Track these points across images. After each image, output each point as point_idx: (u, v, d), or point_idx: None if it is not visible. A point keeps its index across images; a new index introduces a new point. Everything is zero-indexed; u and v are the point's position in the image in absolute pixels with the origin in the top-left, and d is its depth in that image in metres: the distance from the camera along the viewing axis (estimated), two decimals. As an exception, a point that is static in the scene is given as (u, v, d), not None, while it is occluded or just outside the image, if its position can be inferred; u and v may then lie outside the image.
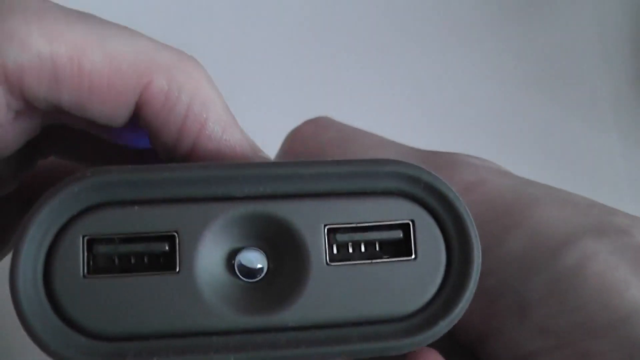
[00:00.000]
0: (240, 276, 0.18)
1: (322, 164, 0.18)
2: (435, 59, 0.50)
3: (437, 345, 0.25)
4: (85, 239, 0.17)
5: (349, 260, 0.18)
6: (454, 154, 0.25)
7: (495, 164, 0.25)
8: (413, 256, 0.18)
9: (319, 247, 0.18)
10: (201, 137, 0.20)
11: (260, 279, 0.18)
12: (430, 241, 0.18)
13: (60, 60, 0.18)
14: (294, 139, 0.28)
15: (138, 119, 0.20)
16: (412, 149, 0.26)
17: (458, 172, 0.23)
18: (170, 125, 0.20)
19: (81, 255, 0.17)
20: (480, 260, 0.18)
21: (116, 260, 0.18)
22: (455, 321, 0.18)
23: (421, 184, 0.18)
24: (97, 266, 0.17)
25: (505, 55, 0.50)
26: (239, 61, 0.47)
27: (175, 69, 0.20)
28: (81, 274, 0.17)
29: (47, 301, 0.17)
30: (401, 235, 0.18)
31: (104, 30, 0.19)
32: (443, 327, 0.18)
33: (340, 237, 0.18)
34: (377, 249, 0.19)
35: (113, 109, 0.19)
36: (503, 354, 0.22)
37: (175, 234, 0.17)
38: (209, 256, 0.18)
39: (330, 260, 0.18)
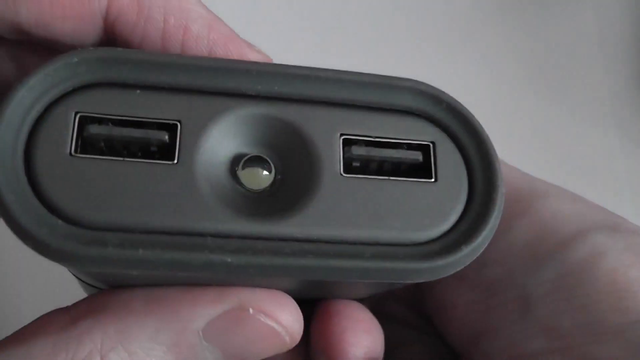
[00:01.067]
0: (244, 185, 0.16)
1: (342, 71, 0.17)
2: (435, 58, 0.50)
3: (422, 349, 0.25)
4: (78, 115, 0.15)
5: (365, 174, 0.17)
6: None
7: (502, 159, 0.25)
8: (433, 179, 0.17)
9: (333, 156, 0.16)
10: (188, 42, 0.18)
11: (265, 190, 0.17)
12: (451, 165, 0.17)
13: None
14: None
15: (114, 39, 0.19)
16: None
17: None
18: (151, 37, 0.18)
19: (71, 131, 0.15)
20: (504, 188, 0.17)
21: (109, 144, 0.16)
22: (480, 251, 0.17)
23: (443, 104, 0.17)
24: (87, 146, 0.16)
25: (504, 54, 0.50)
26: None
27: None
28: (68, 151, 0.15)
29: (25, 176, 0.15)
30: (421, 157, 0.17)
31: None
32: (466, 253, 0.16)
33: (357, 149, 0.17)
34: (397, 168, 0.17)
35: (78, 25, 0.18)
36: (498, 355, 0.20)
37: (178, 123, 0.16)
38: (211, 154, 0.16)
39: (344, 171, 0.16)
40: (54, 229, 0.15)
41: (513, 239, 0.20)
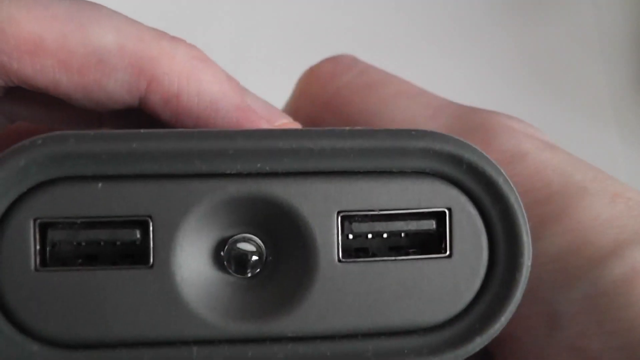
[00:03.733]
0: (231, 270, 0.14)
1: (335, 136, 0.14)
2: (434, 58, 0.49)
3: None
4: (37, 222, 0.14)
5: (367, 256, 0.15)
6: (493, 113, 0.21)
7: (540, 130, 0.21)
8: (447, 253, 0.14)
9: (329, 239, 0.14)
10: (216, 121, 0.18)
11: (255, 275, 0.14)
12: (469, 235, 0.14)
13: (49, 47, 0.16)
14: (309, 80, 0.24)
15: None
16: (445, 101, 0.22)
17: (496, 139, 0.19)
18: (179, 116, 0.17)
19: (32, 243, 0.13)
20: (530, 263, 0.14)
21: (75, 251, 0.14)
22: (495, 336, 0.14)
23: (463, 164, 0.14)
24: (53, 257, 0.14)
25: (504, 54, 0.50)
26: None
27: (166, 61, 0.17)
28: (32, 266, 0.13)
29: None
30: (434, 226, 0.15)
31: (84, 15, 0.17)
32: (478, 344, 0.14)
33: (357, 226, 0.14)
34: (403, 243, 0.15)
35: (100, 99, 0.17)
36: None
37: (149, 219, 0.14)
38: (190, 248, 0.14)
39: (343, 257, 0.14)
40: (30, 357, 0.13)
41: (543, 250, 0.18)
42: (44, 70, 0.16)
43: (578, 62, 0.50)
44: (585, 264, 0.18)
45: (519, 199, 0.15)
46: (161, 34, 0.18)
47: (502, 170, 0.15)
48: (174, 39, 0.18)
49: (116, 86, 0.17)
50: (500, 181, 0.14)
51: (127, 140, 0.14)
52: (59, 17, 0.17)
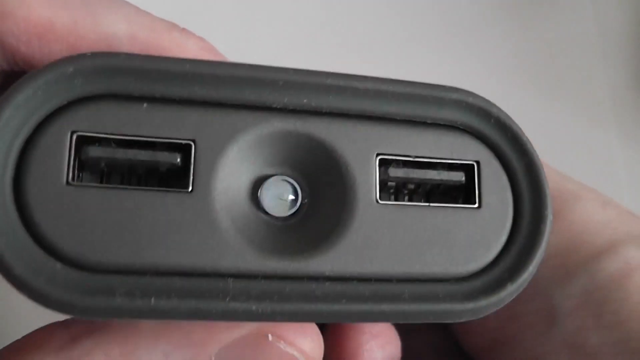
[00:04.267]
0: (267, 211, 0.14)
1: (380, 80, 0.14)
2: (434, 57, 0.49)
3: (432, 349, 0.23)
4: (75, 135, 0.13)
5: (403, 200, 0.15)
6: None
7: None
8: (476, 204, 0.15)
9: (368, 179, 0.14)
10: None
11: (291, 216, 0.14)
12: (496, 188, 0.15)
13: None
14: None
15: None
16: None
17: None
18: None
19: (67, 156, 0.13)
20: (552, 215, 0.15)
21: (110, 170, 0.14)
22: (524, 286, 0.15)
23: (491, 119, 0.15)
24: (86, 172, 0.13)
25: (504, 54, 0.50)
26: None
27: (176, 52, 0.17)
28: (64, 180, 0.13)
29: (16, 211, 0.13)
30: (463, 178, 0.15)
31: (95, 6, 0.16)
32: (511, 291, 0.15)
33: (394, 171, 0.15)
34: (436, 191, 0.15)
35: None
36: None
37: (192, 143, 0.14)
38: (231, 178, 0.14)
39: (381, 198, 0.14)
40: (52, 276, 0.12)
41: None
42: (52, 55, 0.16)
43: (578, 62, 0.50)
44: (582, 261, 0.18)
45: (547, 171, 0.15)
46: (172, 25, 0.18)
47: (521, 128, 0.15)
48: (184, 30, 0.18)
49: None
50: (525, 138, 0.15)
51: (180, 62, 0.13)
52: (71, 2, 0.16)
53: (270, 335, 0.15)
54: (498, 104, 0.52)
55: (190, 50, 0.17)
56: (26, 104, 0.13)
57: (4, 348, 0.15)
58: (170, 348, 0.15)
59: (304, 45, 0.49)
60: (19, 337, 0.15)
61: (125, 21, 0.17)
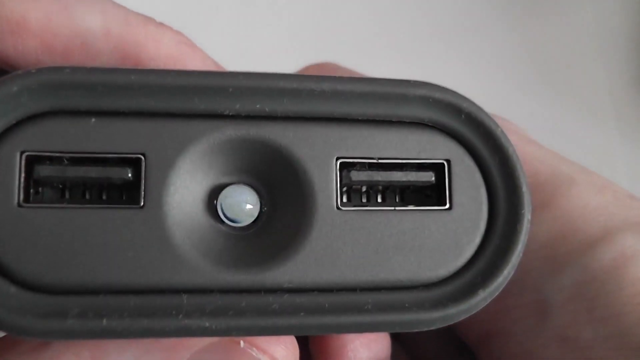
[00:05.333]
0: (225, 220, 0.14)
1: (337, 80, 0.14)
2: (434, 57, 0.49)
3: (433, 338, 0.21)
4: (24, 155, 0.13)
5: (366, 205, 0.14)
6: None
7: (519, 127, 0.21)
8: (447, 205, 0.14)
9: (328, 185, 0.14)
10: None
11: (249, 226, 0.14)
12: (469, 188, 0.14)
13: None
14: None
15: None
16: None
17: None
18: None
19: (17, 177, 0.13)
20: (530, 214, 0.14)
21: (63, 187, 0.13)
22: (498, 292, 0.14)
23: (462, 114, 0.14)
24: (38, 193, 0.13)
25: (504, 54, 0.50)
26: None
27: (152, 46, 0.17)
28: (15, 201, 0.13)
29: None
30: (433, 178, 0.14)
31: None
32: (483, 297, 0.14)
33: (356, 175, 0.14)
34: (403, 194, 0.15)
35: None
36: (509, 359, 0.18)
37: (142, 157, 0.13)
38: (184, 190, 0.13)
39: (342, 204, 0.14)
40: (6, 301, 0.12)
41: (532, 236, 0.17)
42: (26, 52, 0.16)
43: (578, 62, 0.50)
44: (574, 250, 0.17)
45: (516, 151, 0.14)
46: (147, 19, 0.17)
47: (499, 124, 0.14)
48: (160, 24, 0.17)
49: None
50: (498, 132, 0.14)
51: (126, 73, 0.13)
52: None
53: (242, 342, 0.15)
54: (498, 104, 0.52)
55: (166, 45, 0.17)
56: None
57: None
58: (140, 352, 0.14)
59: (304, 45, 0.48)
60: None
61: (100, 16, 0.16)
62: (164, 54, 0.17)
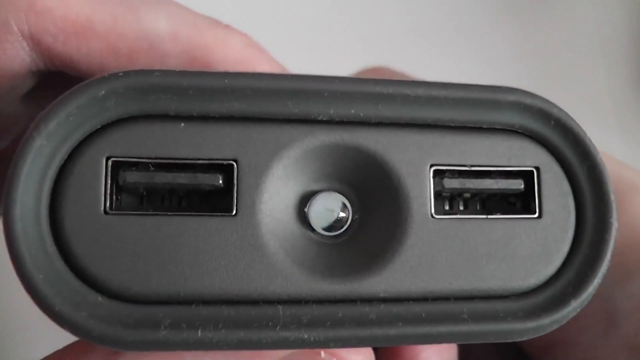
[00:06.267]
0: (316, 228, 0.13)
1: (432, 85, 0.13)
2: (434, 56, 0.49)
3: (491, 347, 0.20)
4: (110, 161, 0.12)
5: (456, 213, 0.14)
6: None
7: None
8: (536, 214, 0.14)
9: (422, 192, 0.13)
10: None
11: (341, 234, 0.13)
12: (557, 196, 0.14)
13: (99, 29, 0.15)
14: None
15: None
16: None
17: None
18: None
19: (103, 184, 0.12)
20: (617, 223, 0.14)
21: (150, 194, 0.13)
22: (588, 301, 0.14)
23: (551, 121, 0.14)
24: (125, 200, 0.13)
25: (504, 54, 0.50)
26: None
27: (220, 49, 0.16)
28: (102, 209, 0.12)
29: (54, 244, 0.12)
30: (522, 186, 0.14)
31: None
32: (574, 307, 0.13)
33: (449, 182, 0.14)
34: (493, 202, 0.14)
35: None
36: None
37: (234, 163, 0.13)
38: (276, 197, 0.13)
39: (436, 212, 0.13)
40: (94, 311, 0.12)
41: None
42: (90, 54, 0.15)
43: (578, 62, 0.50)
44: None
45: (603, 159, 0.14)
46: (215, 22, 0.17)
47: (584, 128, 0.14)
48: (227, 26, 0.17)
49: None
50: (587, 140, 0.14)
51: (218, 76, 0.12)
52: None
53: (322, 352, 0.14)
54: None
55: (234, 47, 0.17)
56: (58, 132, 0.12)
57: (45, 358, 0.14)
58: None
59: (304, 45, 0.48)
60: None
61: (167, 18, 0.16)
62: (233, 57, 0.16)
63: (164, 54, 0.16)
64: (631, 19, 0.51)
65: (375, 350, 0.17)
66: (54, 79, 0.17)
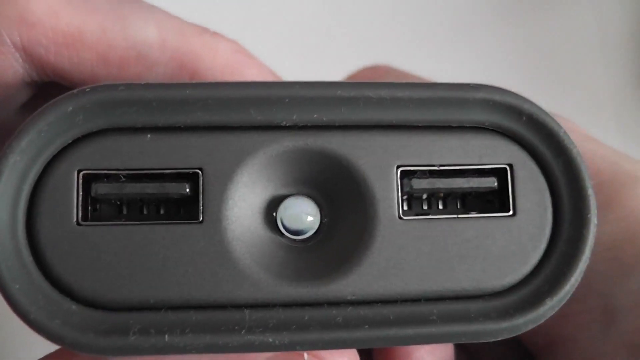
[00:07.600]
0: (284, 232, 0.13)
1: (395, 86, 0.13)
2: (434, 55, 0.49)
3: (497, 344, 0.22)
4: (82, 174, 0.13)
5: (428, 214, 0.14)
6: None
7: (578, 125, 0.20)
8: (511, 212, 0.14)
9: (389, 194, 0.13)
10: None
11: (309, 238, 0.14)
12: (532, 192, 0.14)
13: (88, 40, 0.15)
14: None
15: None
16: None
17: None
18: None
19: (75, 196, 0.13)
20: (597, 219, 0.14)
21: (121, 204, 0.13)
22: (565, 300, 0.14)
23: (523, 116, 0.14)
24: (96, 211, 0.13)
25: (504, 53, 0.50)
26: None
27: (208, 56, 0.16)
28: (74, 220, 0.13)
29: (30, 254, 0.12)
30: (495, 184, 0.14)
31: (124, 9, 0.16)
32: (550, 306, 0.13)
33: (417, 182, 0.14)
34: (465, 201, 0.14)
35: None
36: None
37: (200, 172, 0.13)
38: (242, 203, 0.13)
39: (403, 213, 0.13)
40: (68, 318, 0.12)
41: (596, 238, 0.16)
42: (81, 64, 0.16)
43: (578, 61, 0.50)
44: None
45: (580, 152, 0.14)
46: (202, 29, 0.17)
47: (560, 124, 0.14)
48: (215, 33, 0.17)
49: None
50: (561, 133, 0.14)
51: (180, 87, 0.13)
52: (99, 9, 0.16)
53: (305, 354, 0.14)
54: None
55: (222, 54, 0.17)
56: (30, 148, 0.12)
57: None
58: None
59: (304, 45, 0.48)
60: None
61: (156, 27, 0.16)
62: (221, 64, 0.17)
63: (153, 62, 0.16)
64: (631, 19, 0.51)
65: (369, 349, 0.17)
66: (50, 89, 0.18)
